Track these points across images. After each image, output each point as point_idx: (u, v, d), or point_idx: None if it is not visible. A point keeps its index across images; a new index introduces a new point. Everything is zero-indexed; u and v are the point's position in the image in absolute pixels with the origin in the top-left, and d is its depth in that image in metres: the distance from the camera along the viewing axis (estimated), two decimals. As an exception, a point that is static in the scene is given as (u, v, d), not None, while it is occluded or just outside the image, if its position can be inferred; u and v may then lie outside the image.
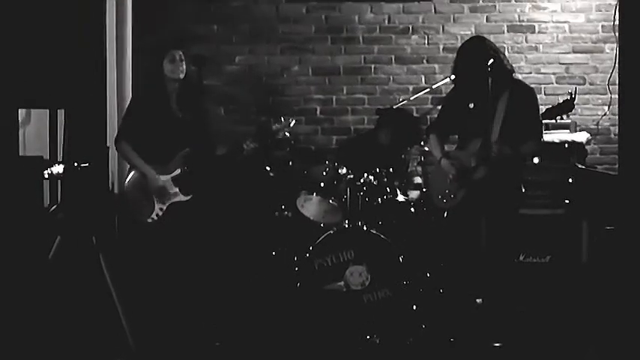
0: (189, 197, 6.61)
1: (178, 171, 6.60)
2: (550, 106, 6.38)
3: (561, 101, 6.29)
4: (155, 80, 6.69)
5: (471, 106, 6.57)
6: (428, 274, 6.71)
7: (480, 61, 6.36)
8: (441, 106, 6.99)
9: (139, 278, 6.68)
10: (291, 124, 6.59)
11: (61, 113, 6.84)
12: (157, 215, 6.63)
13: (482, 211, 6.46)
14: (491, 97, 6.39)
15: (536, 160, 7.32)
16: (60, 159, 6.58)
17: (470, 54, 6.51)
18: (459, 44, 8.18)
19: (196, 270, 6.61)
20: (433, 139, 6.80)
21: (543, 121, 6.60)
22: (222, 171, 6.91)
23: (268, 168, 7.33)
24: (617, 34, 7.75)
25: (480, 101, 6.47)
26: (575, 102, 6.25)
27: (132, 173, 6.69)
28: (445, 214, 6.72)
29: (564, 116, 6.44)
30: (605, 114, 8.22)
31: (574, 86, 8.13)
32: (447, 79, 6.90)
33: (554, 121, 7.65)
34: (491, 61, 6.30)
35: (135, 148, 6.66)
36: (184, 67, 6.63)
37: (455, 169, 6.52)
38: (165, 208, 6.63)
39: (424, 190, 7.13)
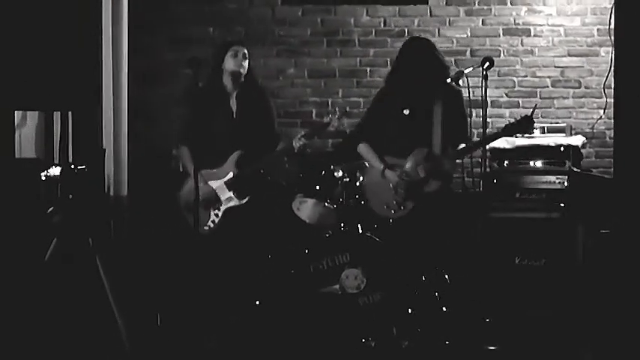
0: (244, 201, 6.61)
1: (231, 174, 6.61)
2: (509, 123, 6.45)
3: (520, 118, 6.36)
4: (214, 77, 6.71)
5: (406, 112, 6.60)
6: (424, 278, 6.71)
7: (426, 68, 6.42)
8: (368, 113, 6.88)
9: (137, 280, 6.68)
10: (345, 114, 6.57)
11: (57, 115, 6.84)
12: (213, 222, 6.63)
13: (434, 220, 6.52)
14: (427, 104, 6.47)
15: (531, 163, 7.34)
16: (56, 161, 6.58)
17: (418, 59, 6.54)
18: (455, 48, 8.27)
19: (232, 273, 6.62)
20: (365, 148, 6.77)
21: (504, 137, 6.71)
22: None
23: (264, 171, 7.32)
24: (612, 37, 7.76)
25: (416, 108, 6.52)
26: (534, 120, 6.34)
27: (186, 182, 6.71)
28: (390, 222, 6.68)
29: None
30: (600, 117, 8.23)
31: (571, 90, 8.24)
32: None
33: (549, 124, 7.75)
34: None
35: (193, 152, 6.67)
36: (247, 64, 6.65)
37: (403, 181, 6.53)
38: (221, 214, 6.63)
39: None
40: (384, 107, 6.71)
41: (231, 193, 6.65)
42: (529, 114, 6.35)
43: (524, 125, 6.36)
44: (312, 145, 6.77)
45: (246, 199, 6.65)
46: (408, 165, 6.54)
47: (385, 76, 6.92)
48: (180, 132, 6.92)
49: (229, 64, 6.68)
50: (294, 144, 6.58)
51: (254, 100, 6.80)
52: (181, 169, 6.95)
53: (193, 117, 6.70)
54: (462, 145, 6.51)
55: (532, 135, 7.47)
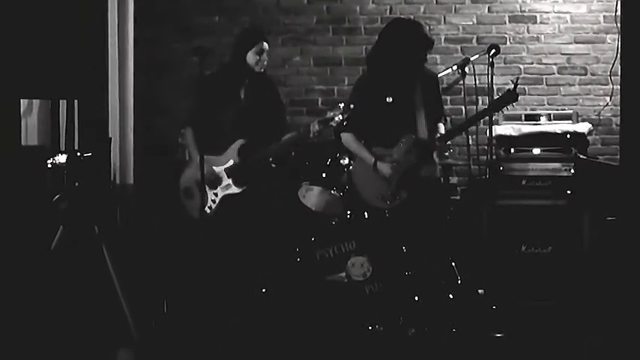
0: (242, 189, 6.64)
1: (231, 162, 6.63)
2: (494, 99, 6.43)
3: (503, 93, 6.37)
4: (230, 65, 6.75)
5: (389, 100, 6.57)
6: (430, 265, 6.71)
7: (409, 51, 6.41)
8: (350, 102, 6.68)
9: (143, 267, 6.69)
10: (348, 110, 6.56)
11: (63, 103, 6.85)
12: (210, 208, 6.65)
13: (430, 206, 6.54)
14: (408, 90, 6.46)
15: (537, 151, 7.34)
16: (62, 149, 6.60)
17: (401, 41, 6.50)
18: (461, 35, 8.25)
19: (244, 263, 6.64)
20: (350, 138, 6.69)
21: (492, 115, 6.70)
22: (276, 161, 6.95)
23: (270, 159, 7.33)
24: (618, 24, 7.75)
25: (398, 95, 6.51)
26: (517, 92, 6.32)
27: (186, 167, 6.75)
28: (386, 212, 6.65)
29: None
30: (606, 104, 8.21)
31: (577, 77, 8.24)
32: (449, 70, 6.89)
33: (555, 111, 7.75)
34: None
35: (197, 136, 6.70)
36: (266, 59, 6.71)
37: (397, 170, 6.51)
38: (218, 200, 6.65)
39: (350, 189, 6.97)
40: (366, 96, 6.66)
41: (230, 181, 6.68)
42: (512, 88, 6.34)
43: (508, 98, 6.35)
44: (325, 132, 6.75)
45: (244, 187, 6.67)
46: (399, 153, 6.52)
47: (366, 63, 6.90)
48: (186, 115, 6.95)
49: (251, 59, 6.70)
50: (311, 128, 6.59)
51: (264, 90, 6.83)
52: (187, 157, 6.96)
53: (201, 102, 6.72)
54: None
55: (538, 122, 7.46)
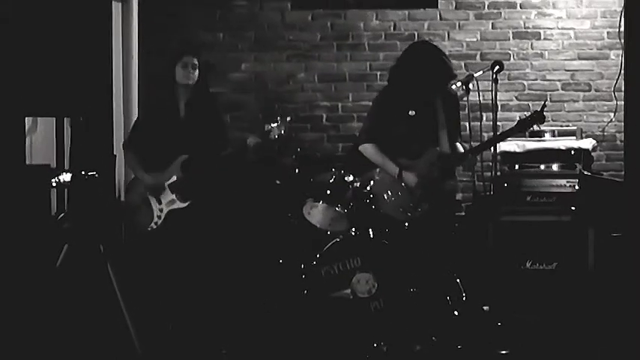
0: (186, 204, 6.64)
1: (174, 178, 6.63)
2: (521, 119, 6.42)
3: (531, 113, 6.36)
4: (164, 85, 6.75)
5: (412, 113, 6.59)
6: (435, 282, 6.71)
7: (432, 73, 6.42)
8: (373, 114, 6.83)
9: (147, 285, 6.69)
10: (287, 122, 6.57)
11: (67, 121, 6.86)
12: (156, 223, 6.65)
13: (447, 219, 6.59)
14: (431, 105, 6.48)
15: (543, 166, 7.35)
16: (67, 167, 6.60)
17: (425, 64, 6.51)
18: (465, 51, 8.26)
19: (201, 277, 6.63)
20: (373, 149, 6.71)
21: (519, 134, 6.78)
22: (226, 175, 6.92)
23: (274, 175, 7.33)
24: (622, 40, 7.75)
25: (421, 109, 6.53)
26: (545, 113, 6.31)
27: (132, 185, 6.77)
28: (406, 225, 6.64)
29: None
30: (610, 120, 8.22)
31: (581, 93, 8.24)
32: (453, 86, 6.89)
33: (559, 127, 7.76)
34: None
35: (140, 156, 6.72)
36: (196, 74, 6.67)
37: (422, 181, 6.52)
38: (163, 215, 6.65)
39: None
40: (389, 109, 6.69)
41: (173, 196, 6.67)
42: (539, 109, 6.34)
43: (536, 119, 6.34)
44: (265, 146, 6.74)
45: (189, 202, 6.67)
46: (422, 166, 6.53)
47: (388, 75, 6.90)
48: (129, 135, 6.99)
49: (179, 75, 6.68)
50: (247, 142, 6.60)
51: (203, 107, 6.81)
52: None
53: (142, 121, 6.83)
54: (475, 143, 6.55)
55: (542, 138, 7.47)
